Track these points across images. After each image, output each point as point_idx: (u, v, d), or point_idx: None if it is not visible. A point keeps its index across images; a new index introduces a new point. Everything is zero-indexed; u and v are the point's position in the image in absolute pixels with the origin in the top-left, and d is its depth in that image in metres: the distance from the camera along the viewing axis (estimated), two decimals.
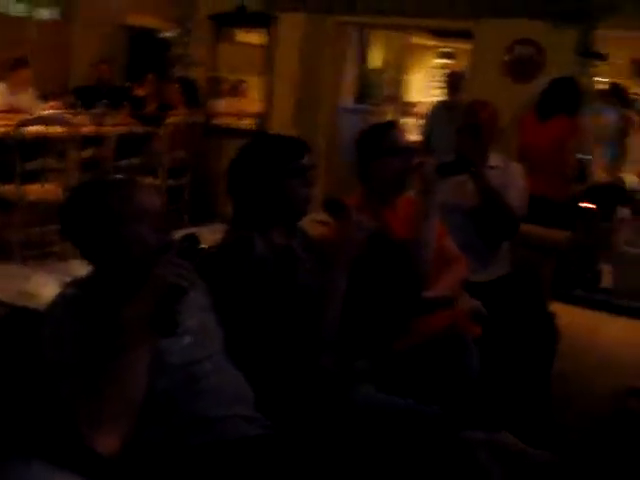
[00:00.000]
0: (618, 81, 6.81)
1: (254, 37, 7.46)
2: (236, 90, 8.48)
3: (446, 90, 6.49)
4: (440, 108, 6.45)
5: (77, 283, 1.73)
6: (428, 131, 6.37)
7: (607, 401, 2.58)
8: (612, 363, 2.99)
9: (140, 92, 7.79)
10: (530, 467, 1.77)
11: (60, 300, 1.68)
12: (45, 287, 1.93)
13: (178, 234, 1.68)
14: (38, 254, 4.84)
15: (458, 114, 5.88)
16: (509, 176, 3.19)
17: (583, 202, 5.77)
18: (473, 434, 1.83)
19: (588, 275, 4.41)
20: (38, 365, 1.62)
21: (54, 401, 1.57)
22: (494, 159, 3.23)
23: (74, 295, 1.68)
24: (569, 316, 3.39)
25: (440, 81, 12.56)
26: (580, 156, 5.61)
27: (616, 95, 6.41)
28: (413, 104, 12.01)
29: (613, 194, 5.23)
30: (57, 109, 6.53)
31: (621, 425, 2.35)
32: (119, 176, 1.83)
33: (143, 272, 1.54)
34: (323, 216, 2.45)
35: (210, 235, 2.32)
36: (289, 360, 1.95)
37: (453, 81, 6.37)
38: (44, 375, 1.60)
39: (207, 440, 1.63)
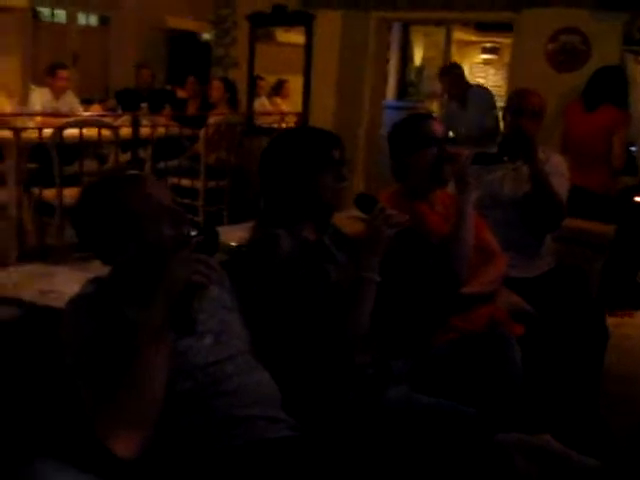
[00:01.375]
0: None
1: (293, 36, 7.44)
2: (278, 90, 8.49)
3: (449, 89, 6.52)
4: (451, 104, 6.52)
5: (96, 281, 1.69)
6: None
7: None
8: None
9: (181, 94, 7.83)
10: (574, 473, 1.67)
11: (78, 299, 1.64)
12: (68, 285, 1.89)
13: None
14: (77, 258, 4.85)
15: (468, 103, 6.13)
16: (552, 166, 3.09)
17: (635, 196, 5.63)
18: (511, 436, 1.73)
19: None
20: (58, 365, 1.58)
21: (73, 402, 1.53)
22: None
23: (92, 293, 1.64)
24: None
25: (482, 77, 12.57)
26: (632, 148, 5.46)
27: None
28: None
29: None
30: (98, 113, 6.61)
31: None
32: (130, 172, 1.78)
33: (160, 268, 1.49)
34: (358, 212, 2.39)
35: (241, 233, 2.28)
36: (320, 359, 1.88)
37: (450, 82, 6.42)
38: (63, 375, 1.56)
39: (232, 442, 1.57)
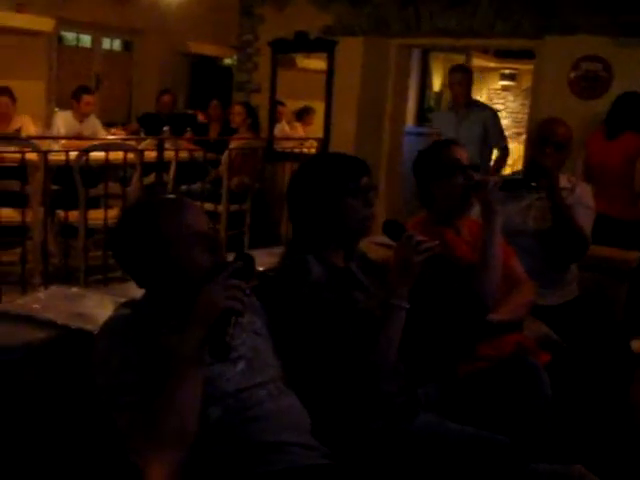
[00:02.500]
0: None
1: (313, 62, 7.50)
2: (302, 116, 8.55)
3: (455, 91, 6.07)
4: (446, 113, 6.30)
5: (130, 305, 1.70)
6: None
7: None
8: None
9: (201, 118, 7.89)
10: None
11: (111, 323, 1.65)
12: (101, 309, 1.90)
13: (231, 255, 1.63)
14: (101, 279, 4.89)
15: (466, 114, 5.85)
16: (577, 196, 3.08)
17: None
18: (543, 467, 1.72)
19: None
20: (90, 388, 1.59)
21: (106, 426, 1.54)
22: (561, 180, 3.12)
23: (126, 317, 1.64)
24: None
25: (501, 103, 12.59)
26: None
27: None
28: None
29: None
30: (120, 136, 6.68)
31: None
32: (168, 197, 1.80)
33: (195, 294, 1.50)
34: (383, 239, 2.39)
35: (267, 258, 2.28)
36: (349, 386, 1.88)
37: (458, 79, 5.98)
38: (95, 399, 1.56)
39: (269, 467, 1.57)
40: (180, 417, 1.45)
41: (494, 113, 6.24)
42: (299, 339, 1.88)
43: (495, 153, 6.20)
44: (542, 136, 3.07)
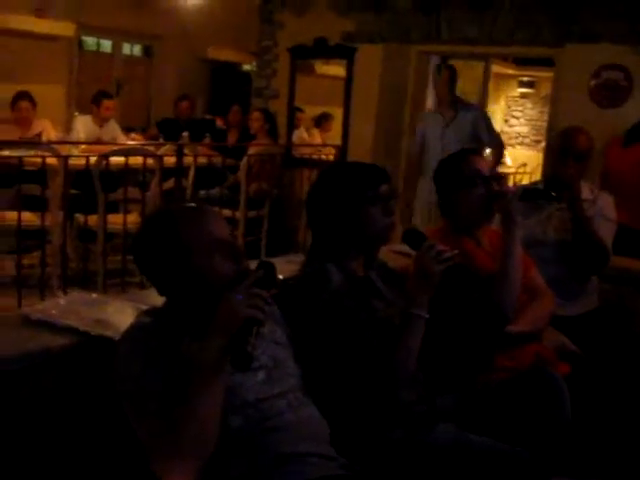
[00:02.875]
0: None
1: (332, 68, 7.51)
2: (320, 122, 8.57)
3: (439, 90, 5.79)
4: (432, 114, 5.94)
5: (151, 312, 1.70)
6: (421, 143, 5.78)
7: None
8: None
9: (219, 124, 7.92)
10: None
11: (133, 330, 1.65)
12: (122, 315, 1.91)
13: (253, 264, 1.63)
14: (119, 283, 4.92)
15: (454, 116, 5.56)
16: (600, 208, 3.06)
17: None
18: None
19: None
20: (110, 395, 1.59)
21: (126, 434, 1.54)
22: (584, 190, 3.09)
23: (147, 325, 1.65)
24: None
25: (519, 110, 12.54)
26: None
27: None
28: None
29: None
30: (139, 141, 6.72)
31: None
32: (189, 204, 1.80)
33: (217, 302, 1.50)
34: (402, 247, 2.38)
35: (285, 265, 2.29)
36: (369, 396, 1.87)
37: (447, 78, 5.69)
38: (115, 406, 1.57)
39: (284, 479, 1.56)
40: (201, 425, 1.45)
41: (482, 112, 6.04)
42: (319, 348, 1.88)
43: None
44: (562, 147, 3.04)
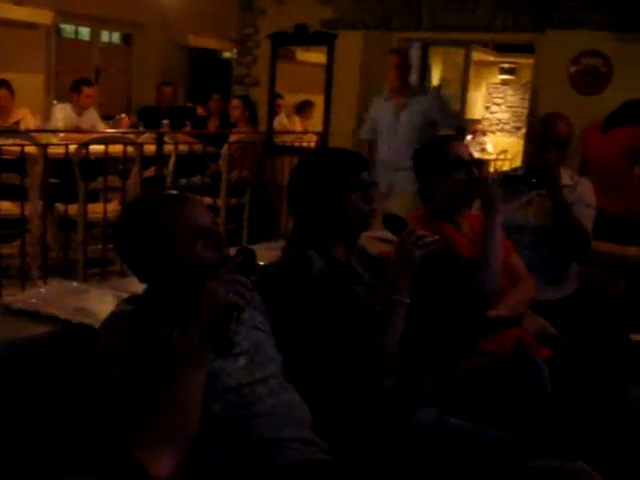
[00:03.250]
0: None
1: (313, 55, 7.49)
2: (301, 110, 8.55)
3: (389, 75, 5.42)
4: (383, 100, 5.53)
5: (132, 300, 1.70)
6: (371, 129, 5.57)
7: None
8: None
9: (201, 112, 7.89)
10: None
11: (113, 318, 1.65)
12: (102, 303, 1.90)
13: (234, 251, 1.63)
14: (100, 272, 4.90)
15: (405, 103, 5.23)
16: (580, 194, 3.08)
17: None
18: (544, 463, 1.72)
19: None
20: (91, 383, 1.59)
21: (108, 421, 1.54)
22: (564, 176, 3.12)
23: (128, 312, 1.64)
24: None
25: (500, 97, 12.58)
26: None
27: None
28: (475, 121, 11.91)
29: None
30: (121, 129, 6.67)
31: None
32: (171, 192, 1.80)
33: (198, 289, 1.50)
34: (383, 233, 2.39)
35: (265, 252, 2.28)
36: (350, 382, 1.88)
37: (397, 63, 5.33)
38: (97, 394, 1.57)
39: (268, 463, 1.56)
40: (183, 411, 1.45)
41: (436, 97, 5.80)
42: (301, 334, 1.89)
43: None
44: (543, 133, 3.06)
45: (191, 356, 1.47)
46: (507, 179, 2.49)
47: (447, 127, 5.45)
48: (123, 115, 7.19)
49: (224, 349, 1.46)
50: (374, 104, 5.64)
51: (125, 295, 1.79)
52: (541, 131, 3.08)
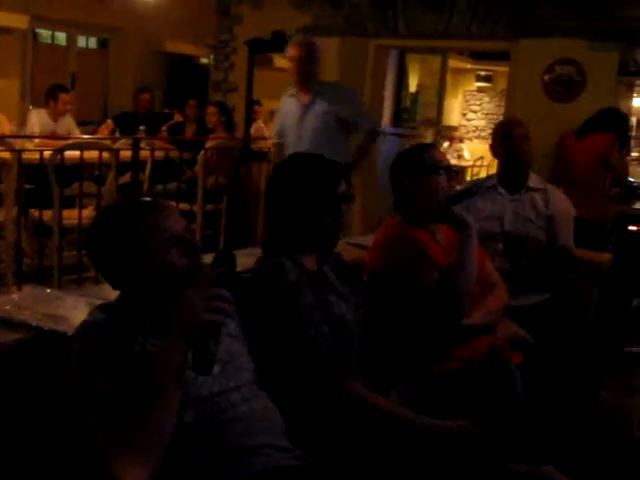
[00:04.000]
0: None
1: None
2: None
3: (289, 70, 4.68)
4: (290, 99, 4.81)
5: (104, 308, 1.68)
6: (279, 132, 4.91)
7: None
8: None
9: (178, 118, 7.87)
10: None
11: (86, 326, 1.63)
12: (75, 310, 1.89)
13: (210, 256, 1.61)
14: (75, 279, 4.86)
15: (311, 103, 4.50)
16: (556, 204, 3.12)
17: (629, 225, 5.68)
18: (515, 467, 1.74)
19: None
20: (63, 390, 1.58)
21: (80, 429, 1.53)
22: (533, 180, 3.17)
23: (100, 321, 1.63)
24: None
25: (477, 104, 12.67)
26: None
27: None
28: (452, 128, 11.98)
29: None
30: (97, 135, 6.65)
31: None
32: (145, 199, 1.78)
33: (171, 296, 1.49)
34: (358, 239, 2.40)
35: (242, 258, 2.28)
36: (322, 389, 1.89)
37: (296, 55, 4.58)
38: (70, 400, 1.56)
39: (240, 472, 1.56)
40: (157, 425, 1.44)
41: (347, 93, 4.95)
42: (273, 341, 1.89)
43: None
44: (505, 134, 3.17)
45: (170, 373, 1.44)
46: (452, 198, 2.48)
47: (358, 128, 4.73)
48: (109, 121, 7.18)
49: (203, 369, 1.43)
50: (281, 103, 4.95)
51: (98, 302, 1.78)
52: (504, 132, 3.18)
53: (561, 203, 3.17)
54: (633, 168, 7.41)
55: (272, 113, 8.48)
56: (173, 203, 5.94)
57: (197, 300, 1.44)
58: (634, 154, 8.34)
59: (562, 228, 3.04)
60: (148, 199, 1.79)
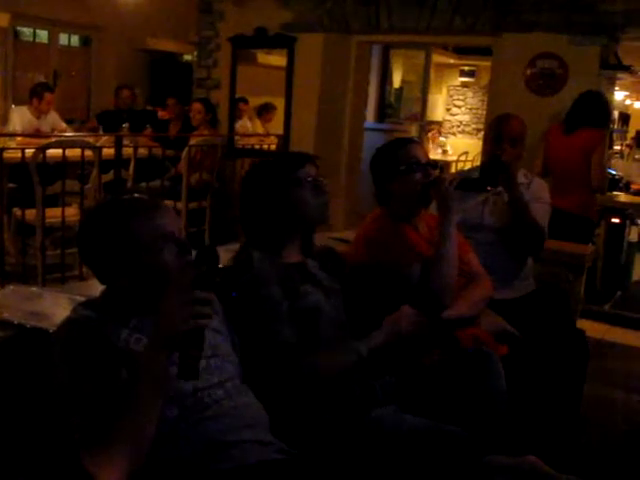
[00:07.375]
0: None
1: (274, 59, 7.49)
2: (262, 113, 8.53)
3: None
4: None
5: (87, 305, 1.67)
6: None
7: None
8: None
9: (162, 115, 7.85)
10: None
11: (68, 323, 1.62)
12: (57, 307, 1.89)
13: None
14: (59, 278, 4.84)
15: None
16: (534, 191, 3.13)
17: (612, 217, 5.74)
18: (497, 458, 1.75)
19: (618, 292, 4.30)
20: (46, 387, 1.57)
21: (61, 426, 1.52)
22: (519, 175, 3.17)
23: (83, 318, 1.62)
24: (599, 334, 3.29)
25: (461, 99, 12.70)
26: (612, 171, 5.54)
27: None
28: (435, 123, 12.01)
29: None
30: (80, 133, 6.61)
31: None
32: (138, 196, 1.77)
33: (160, 295, 1.46)
34: (341, 234, 2.39)
35: (224, 254, 2.28)
36: (290, 380, 1.89)
37: None
38: (52, 398, 1.55)
39: (221, 466, 1.56)
40: (143, 424, 1.42)
41: None
42: (243, 335, 1.89)
43: None
44: (497, 132, 3.11)
45: (155, 379, 1.43)
46: (463, 182, 2.52)
47: None
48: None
49: (189, 374, 1.41)
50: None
51: (80, 299, 1.77)
52: (495, 130, 3.13)
53: (540, 191, 3.18)
54: (615, 161, 7.48)
55: (256, 109, 8.50)
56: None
57: (178, 308, 1.41)
58: (616, 147, 8.41)
59: (536, 208, 3.04)
60: (144, 197, 1.78)
